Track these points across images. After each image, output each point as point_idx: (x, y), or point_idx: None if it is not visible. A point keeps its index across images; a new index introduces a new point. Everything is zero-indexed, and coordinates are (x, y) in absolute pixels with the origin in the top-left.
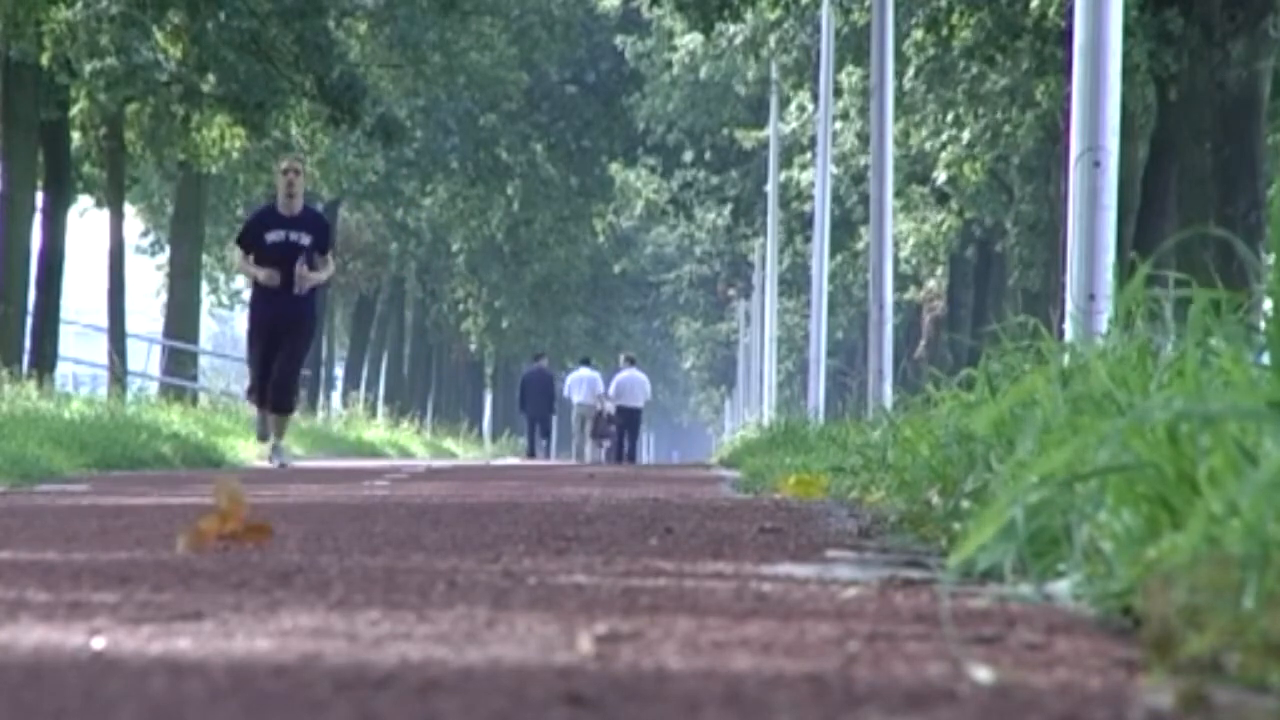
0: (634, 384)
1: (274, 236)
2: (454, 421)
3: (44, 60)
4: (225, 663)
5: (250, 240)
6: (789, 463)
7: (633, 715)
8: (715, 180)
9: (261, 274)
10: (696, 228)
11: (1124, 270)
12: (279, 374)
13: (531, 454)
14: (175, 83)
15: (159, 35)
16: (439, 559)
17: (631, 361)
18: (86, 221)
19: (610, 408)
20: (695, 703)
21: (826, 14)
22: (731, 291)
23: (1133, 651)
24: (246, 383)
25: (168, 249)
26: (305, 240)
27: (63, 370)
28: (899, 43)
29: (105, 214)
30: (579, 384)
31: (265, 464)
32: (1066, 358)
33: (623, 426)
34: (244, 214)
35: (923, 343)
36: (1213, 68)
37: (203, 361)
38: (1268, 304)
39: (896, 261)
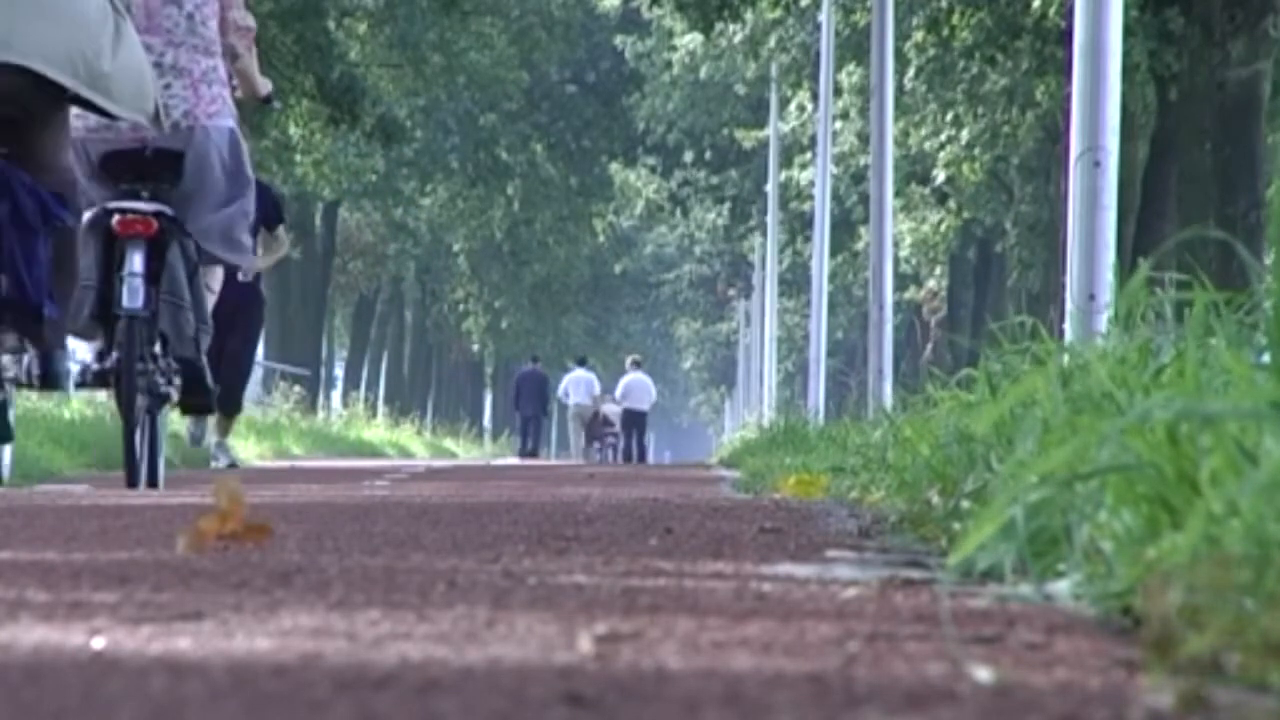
0: (640, 387)
1: None
2: (454, 421)
3: None
4: (225, 663)
5: None
6: (789, 463)
7: (633, 715)
8: (715, 180)
9: None
10: (696, 228)
11: (1124, 270)
12: (228, 376)
13: (531, 453)
14: None
15: None
16: (439, 559)
17: (638, 365)
18: None
19: (614, 410)
20: (695, 703)
21: (826, 14)
22: (731, 291)
23: (1133, 651)
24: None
25: None
26: None
27: None
28: (899, 43)
29: None
30: (576, 385)
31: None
32: (1066, 358)
33: (630, 428)
34: None
35: (930, 346)
36: (1213, 68)
37: None
38: (1268, 304)
39: (896, 261)
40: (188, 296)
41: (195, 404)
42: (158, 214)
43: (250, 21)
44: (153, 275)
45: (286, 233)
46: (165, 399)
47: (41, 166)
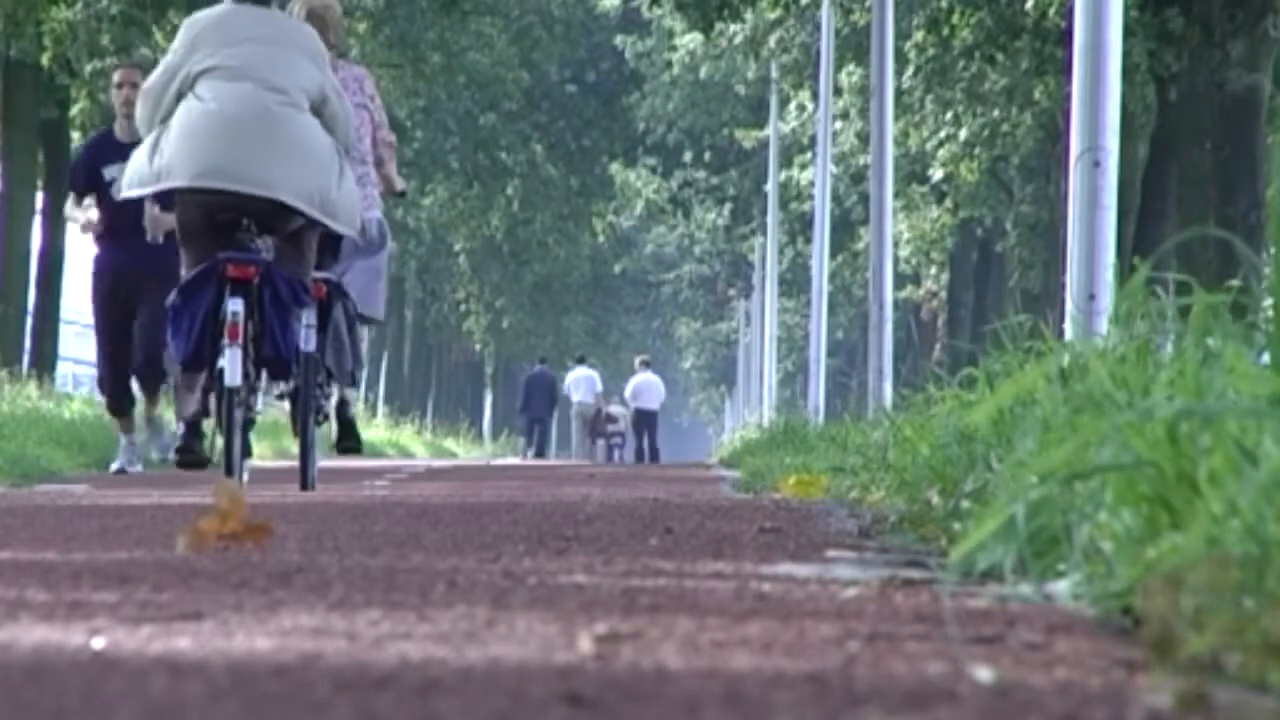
0: (650, 387)
1: (113, 171)
2: (454, 421)
3: (44, 60)
4: (225, 663)
5: (84, 180)
6: (789, 463)
7: (633, 715)
8: (715, 180)
9: (80, 217)
10: (696, 227)
11: (1124, 270)
12: (146, 344)
13: (539, 454)
14: None
15: (159, 35)
16: (439, 559)
17: (647, 364)
18: None
19: (619, 409)
20: (695, 703)
21: (826, 14)
22: (731, 291)
23: (1133, 651)
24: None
25: None
26: None
27: (62, 370)
28: (899, 43)
29: None
30: (578, 383)
31: (135, 467)
32: (1066, 357)
33: (641, 428)
34: None
35: (939, 346)
36: (1213, 68)
37: None
38: (1268, 303)
39: (896, 261)
40: (347, 343)
41: (348, 446)
42: (325, 280)
43: (393, 139)
44: (322, 326)
45: None
46: (326, 417)
47: (291, 263)
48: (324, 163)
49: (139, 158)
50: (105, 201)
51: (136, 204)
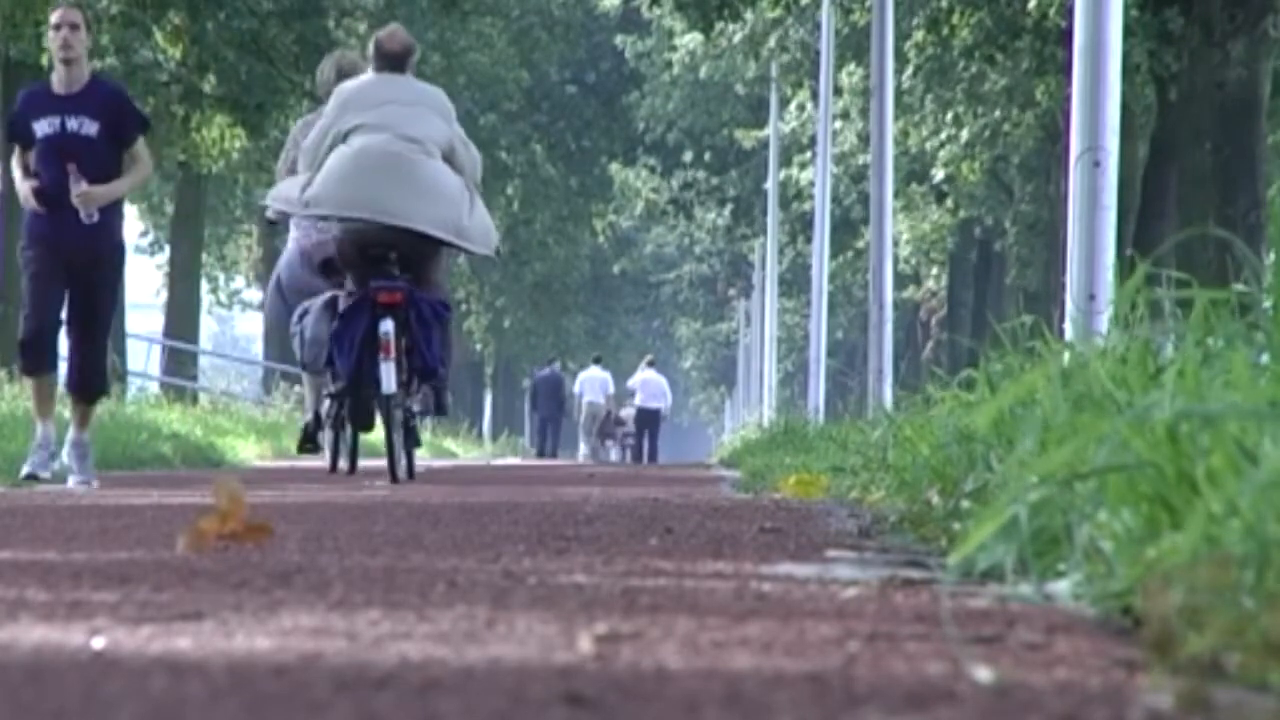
0: (654, 385)
1: (46, 127)
2: (454, 421)
3: (44, 60)
4: (225, 663)
5: (20, 135)
6: (789, 463)
7: (633, 715)
8: (715, 180)
9: (21, 189)
10: (696, 227)
11: (1124, 270)
12: (76, 351)
13: (547, 454)
14: (175, 83)
15: (159, 35)
16: (439, 559)
17: (651, 364)
18: None
19: (631, 412)
20: (695, 703)
21: (826, 14)
22: (731, 291)
23: (1133, 651)
24: (22, 338)
25: (168, 249)
26: (91, 129)
27: (62, 370)
28: (899, 43)
29: None
30: (589, 384)
31: (74, 485)
32: (1066, 357)
33: (643, 427)
34: (243, 215)
35: (931, 344)
36: (1213, 68)
37: (203, 361)
38: (1268, 303)
39: (896, 261)
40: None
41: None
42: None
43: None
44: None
45: (145, 148)
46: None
47: (431, 286)
48: (454, 197)
49: (289, 188)
50: (37, 159)
51: (69, 160)
